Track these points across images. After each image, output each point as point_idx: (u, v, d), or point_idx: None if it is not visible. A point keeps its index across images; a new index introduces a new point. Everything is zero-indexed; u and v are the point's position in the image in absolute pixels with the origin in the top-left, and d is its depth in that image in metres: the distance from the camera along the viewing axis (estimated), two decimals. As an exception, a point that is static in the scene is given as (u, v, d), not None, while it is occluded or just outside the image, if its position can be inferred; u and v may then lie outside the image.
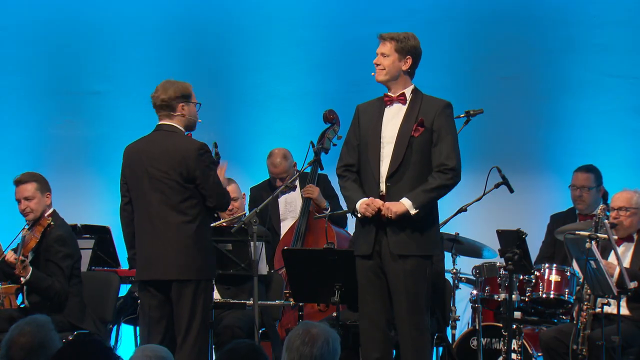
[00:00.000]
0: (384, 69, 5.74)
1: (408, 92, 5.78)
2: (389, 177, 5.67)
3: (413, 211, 5.58)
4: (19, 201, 6.86)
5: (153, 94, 6.02)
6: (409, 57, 5.77)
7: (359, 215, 5.70)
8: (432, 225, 5.73)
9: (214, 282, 6.34)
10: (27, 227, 6.80)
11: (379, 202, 5.62)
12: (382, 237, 5.68)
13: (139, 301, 7.09)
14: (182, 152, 5.87)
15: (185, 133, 6.04)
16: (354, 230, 6.94)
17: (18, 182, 6.86)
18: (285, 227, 7.79)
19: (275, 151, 7.88)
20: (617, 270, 6.33)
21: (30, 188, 6.82)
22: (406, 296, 5.60)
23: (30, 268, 6.63)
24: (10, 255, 6.64)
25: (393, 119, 5.75)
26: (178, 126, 5.98)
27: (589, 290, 6.38)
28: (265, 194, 7.35)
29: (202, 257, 5.87)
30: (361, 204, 5.67)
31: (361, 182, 5.79)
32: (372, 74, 5.78)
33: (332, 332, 4.12)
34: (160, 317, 5.95)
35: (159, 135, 6.01)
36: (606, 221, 6.31)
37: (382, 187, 5.69)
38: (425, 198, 5.60)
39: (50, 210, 6.87)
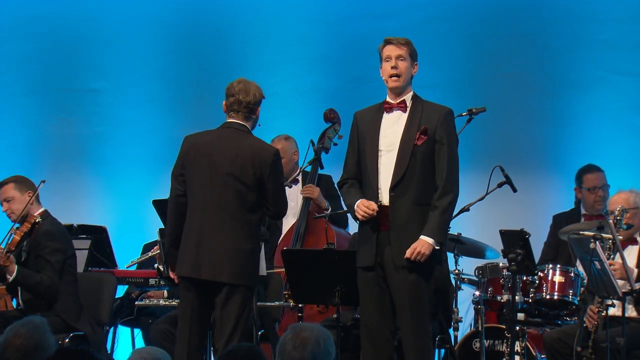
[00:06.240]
0: (400, 75, 5.68)
1: (408, 98, 5.74)
2: (393, 187, 5.63)
3: (437, 247, 5.61)
4: (1, 204, 6.87)
5: (235, 92, 5.91)
6: (416, 63, 5.75)
7: (358, 220, 5.69)
8: None
9: None
10: (15, 226, 6.83)
11: (374, 206, 5.61)
12: (383, 248, 5.66)
13: (148, 301, 7.04)
14: (259, 155, 5.82)
15: None
16: (354, 231, 7.03)
17: None
18: (286, 223, 7.73)
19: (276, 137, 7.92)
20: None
21: (7, 189, 6.84)
22: (410, 308, 5.58)
23: (16, 266, 6.62)
24: None
25: (392, 126, 5.71)
26: (249, 127, 5.94)
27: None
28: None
29: (253, 264, 5.83)
30: (358, 207, 5.64)
31: (361, 190, 5.78)
32: (384, 79, 5.71)
33: (323, 333, 4.09)
34: (198, 318, 5.86)
35: (231, 133, 5.91)
36: (610, 221, 6.26)
37: (381, 196, 5.67)
38: (442, 231, 5.63)
39: (41, 210, 6.87)
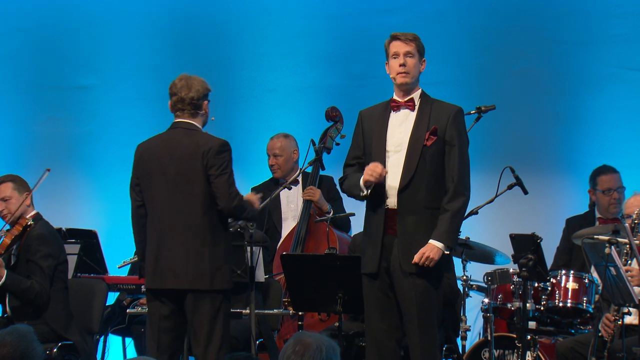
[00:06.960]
0: (409, 72, 5.61)
1: (416, 96, 5.68)
2: (401, 190, 5.56)
3: (447, 252, 5.55)
4: None
5: (177, 90, 5.83)
6: (424, 59, 5.70)
7: (363, 192, 5.55)
8: None
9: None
10: (6, 228, 6.77)
11: (381, 167, 5.51)
12: (389, 253, 5.58)
13: (141, 309, 7.09)
14: (202, 149, 5.72)
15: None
16: (354, 234, 7.25)
17: None
18: (286, 226, 7.74)
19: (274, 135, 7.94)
20: None
21: (6, 188, 6.78)
22: (418, 317, 5.52)
23: (5, 271, 6.56)
24: None
25: (400, 125, 5.66)
26: (198, 125, 5.85)
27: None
28: (268, 194, 7.25)
29: (218, 267, 5.69)
30: (365, 170, 5.53)
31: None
32: (392, 76, 5.63)
33: (327, 342, 4.05)
34: (170, 328, 5.76)
35: (178, 133, 5.83)
36: (626, 225, 6.17)
37: (389, 199, 5.58)
38: (453, 235, 5.56)
39: (33, 212, 6.82)
